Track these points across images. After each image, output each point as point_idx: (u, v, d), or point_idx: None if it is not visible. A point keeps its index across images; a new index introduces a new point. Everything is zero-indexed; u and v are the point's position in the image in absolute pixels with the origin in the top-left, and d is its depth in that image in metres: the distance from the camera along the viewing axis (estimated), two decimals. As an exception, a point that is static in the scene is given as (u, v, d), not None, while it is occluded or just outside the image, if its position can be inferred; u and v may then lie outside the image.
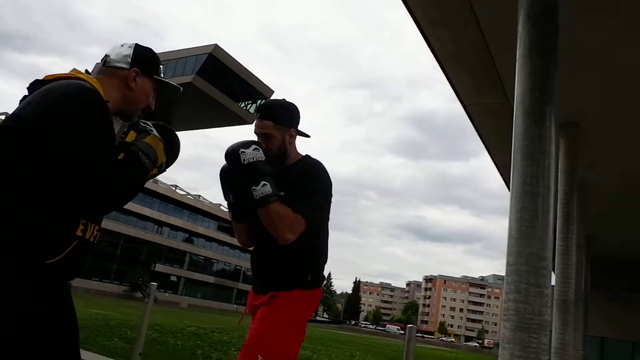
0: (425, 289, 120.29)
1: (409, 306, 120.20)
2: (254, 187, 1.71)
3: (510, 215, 5.45)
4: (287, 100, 2.00)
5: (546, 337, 4.97)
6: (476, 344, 79.99)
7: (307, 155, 2.07)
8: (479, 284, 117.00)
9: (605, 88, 9.75)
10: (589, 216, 14.93)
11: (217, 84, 37.06)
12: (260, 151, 1.76)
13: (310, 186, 1.84)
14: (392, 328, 78.44)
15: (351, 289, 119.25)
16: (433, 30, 9.26)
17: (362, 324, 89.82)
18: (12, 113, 1.30)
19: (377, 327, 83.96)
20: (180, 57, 37.25)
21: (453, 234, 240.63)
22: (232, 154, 1.74)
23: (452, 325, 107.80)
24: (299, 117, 2.01)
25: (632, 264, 26.25)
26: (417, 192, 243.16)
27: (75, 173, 1.23)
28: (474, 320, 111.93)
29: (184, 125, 41.45)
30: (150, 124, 1.55)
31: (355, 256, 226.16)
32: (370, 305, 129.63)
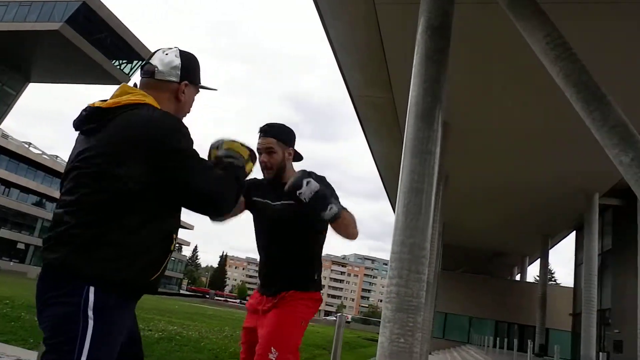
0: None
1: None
2: (323, 213, 1.90)
3: (397, 209, 6.01)
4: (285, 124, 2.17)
5: (421, 317, 5.64)
6: (335, 318, 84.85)
7: (302, 171, 2.22)
8: (341, 262, 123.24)
9: (476, 96, 10.96)
10: (447, 206, 16.76)
11: (89, 37, 33.72)
12: (313, 182, 1.89)
13: (329, 190, 2.03)
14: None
15: (217, 262, 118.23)
16: (334, 22, 9.62)
17: (224, 297, 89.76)
18: (105, 151, 1.28)
19: (242, 302, 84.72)
20: (48, 0, 33.12)
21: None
22: (293, 195, 1.87)
23: (332, 305, 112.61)
24: (295, 139, 2.20)
25: (474, 250, 29.91)
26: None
27: (189, 192, 1.27)
28: (334, 296, 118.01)
29: (46, 77, 37.32)
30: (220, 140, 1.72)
31: (224, 230, 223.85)
32: (236, 280, 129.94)
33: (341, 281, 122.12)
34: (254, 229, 2.18)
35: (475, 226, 24.05)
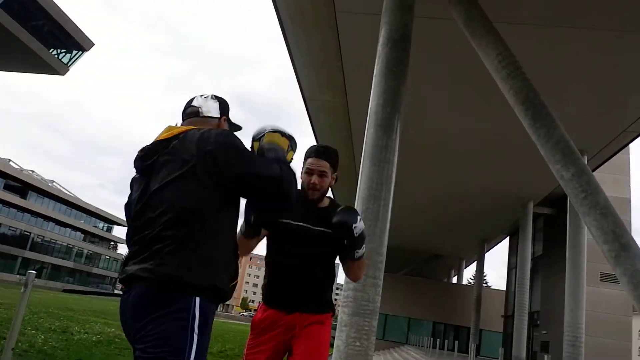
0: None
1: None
2: (357, 251, 2.02)
3: (355, 214, 6.12)
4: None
5: (376, 321, 5.78)
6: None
7: (333, 198, 2.36)
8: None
9: (422, 107, 11.33)
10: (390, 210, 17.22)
11: (26, 24, 31.83)
12: (362, 221, 2.01)
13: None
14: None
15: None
16: (292, 24, 9.66)
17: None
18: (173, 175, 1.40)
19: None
20: (-20, -18, 30.93)
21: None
22: (345, 227, 1.94)
23: (253, 301, 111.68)
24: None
25: (414, 253, 30.80)
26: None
27: (256, 182, 1.42)
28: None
29: (-26, 63, 34.78)
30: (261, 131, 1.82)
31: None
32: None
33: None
34: (273, 244, 2.17)
35: (416, 230, 24.78)
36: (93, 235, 69.34)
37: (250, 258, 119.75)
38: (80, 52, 36.59)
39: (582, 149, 11.03)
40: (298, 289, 2.14)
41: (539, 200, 18.44)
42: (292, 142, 1.80)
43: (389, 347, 28.89)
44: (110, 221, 71.93)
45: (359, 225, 1.96)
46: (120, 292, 1.43)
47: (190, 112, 1.64)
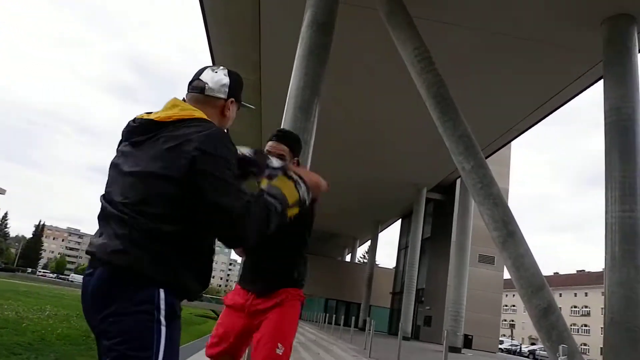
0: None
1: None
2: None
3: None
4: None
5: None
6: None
7: None
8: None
9: (330, 93, 11.55)
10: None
11: None
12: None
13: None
14: (78, 277, 73.56)
15: (31, 232, 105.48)
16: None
17: (40, 272, 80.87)
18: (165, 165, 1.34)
19: (59, 276, 77.11)
20: None
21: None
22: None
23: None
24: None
25: (312, 232, 31.55)
26: (119, 135, 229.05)
27: (210, 204, 1.36)
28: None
29: None
30: (278, 165, 1.67)
31: (38, 195, 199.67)
32: (53, 252, 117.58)
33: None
34: None
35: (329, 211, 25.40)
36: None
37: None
38: None
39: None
40: (267, 265, 2.15)
41: (432, 187, 19.81)
42: (300, 199, 1.58)
43: (283, 322, 29.45)
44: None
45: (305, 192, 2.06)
46: None
47: (196, 86, 1.53)
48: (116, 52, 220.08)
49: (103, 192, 1.41)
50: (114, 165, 1.43)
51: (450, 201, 20.51)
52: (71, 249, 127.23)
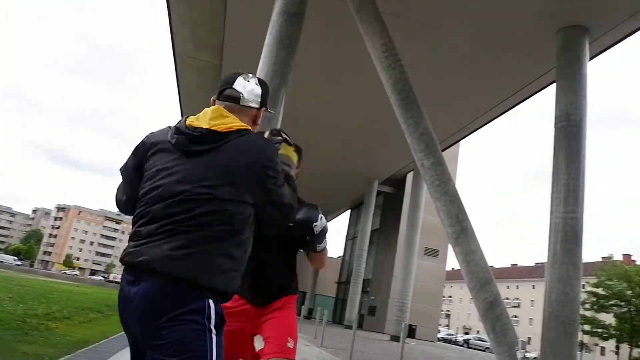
0: (56, 218, 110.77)
1: (32, 235, 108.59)
2: (318, 245, 2.13)
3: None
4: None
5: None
6: (102, 278, 79.48)
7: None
8: (116, 218, 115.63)
9: (295, 84, 11.49)
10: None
11: None
12: (324, 219, 2.10)
13: None
14: (7, 258, 69.81)
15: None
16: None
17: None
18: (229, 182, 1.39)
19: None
20: None
21: (96, 164, 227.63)
22: (307, 225, 2.06)
23: (79, 259, 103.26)
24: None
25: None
26: (65, 112, 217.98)
27: (282, 208, 1.56)
28: (103, 254, 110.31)
29: None
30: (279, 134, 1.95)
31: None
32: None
33: (113, 239, 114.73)
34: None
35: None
36: None
37: (80, 212, 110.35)
38: None
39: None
40: (268, 279, 2.21)
41: (383, 180, 20.21)
42: (299, 156, 1.97)
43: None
44: None
45: (320, 223, 2.08)
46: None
47: (230, 95, 1.56)
48: (65, 23, 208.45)
49: (144, 197, 1.40)
50: (165, 171, 1.42)
51: (400, 195, 21.02)
52: (2, 227, 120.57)
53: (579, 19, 7.58)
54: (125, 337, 1.44)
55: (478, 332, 52.11)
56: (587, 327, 35.24)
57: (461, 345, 34.48)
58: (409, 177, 18.45)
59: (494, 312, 6.68)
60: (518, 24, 8.14)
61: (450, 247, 10.99)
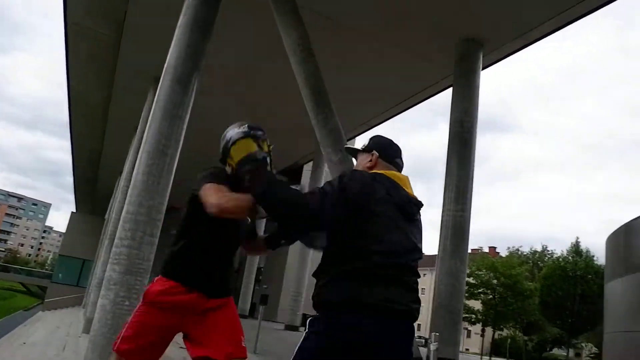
0: None
1: None
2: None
3: (138, 169, 5.80)
4: None
5: (147, 279, 5.62)
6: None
7: None
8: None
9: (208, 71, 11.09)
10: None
11: None
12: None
13: None
14: None
15: None
16: None
17: None
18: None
19: None
20: None
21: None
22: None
23: None
24: None
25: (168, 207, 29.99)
26: None
27: None
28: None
29: None
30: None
31: None
32: None
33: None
34: (202, 221, 1.95)
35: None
36: None
37: None
38: None
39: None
40: (226, 271, 2.11)
41: (278, 171, 20.27)
42: (260, 138, 2.07)
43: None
44: None
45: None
46: None
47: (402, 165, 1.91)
48: None
49: (397, 252, 1.61)
50: (404, 232, 1.65)
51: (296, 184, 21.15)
52: None
53: (475, 33, 8.20)
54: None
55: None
56: (458, 313, 38.63)
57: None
58: (306, 168, 18.75)
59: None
60: (421, 30, 8.60)
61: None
